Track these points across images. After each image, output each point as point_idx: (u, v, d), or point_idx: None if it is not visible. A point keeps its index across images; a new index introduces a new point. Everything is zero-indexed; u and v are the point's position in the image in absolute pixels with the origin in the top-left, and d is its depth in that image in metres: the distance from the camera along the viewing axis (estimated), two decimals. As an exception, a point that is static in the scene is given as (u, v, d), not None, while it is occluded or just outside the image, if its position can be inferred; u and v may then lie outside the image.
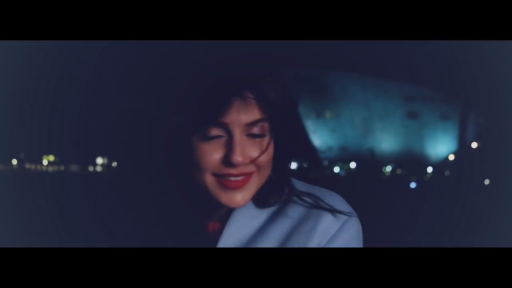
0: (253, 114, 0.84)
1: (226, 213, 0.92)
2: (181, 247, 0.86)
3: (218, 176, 0.85)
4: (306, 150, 0.94)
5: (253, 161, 0.85)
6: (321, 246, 0.86)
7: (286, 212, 0.90)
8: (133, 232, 0.88)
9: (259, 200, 0.91)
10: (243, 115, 0.83)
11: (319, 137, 57.78)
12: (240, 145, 0.83)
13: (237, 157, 0.82)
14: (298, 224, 0.89)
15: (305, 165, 0.94)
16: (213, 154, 0.84)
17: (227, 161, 0.83)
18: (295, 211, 0.90)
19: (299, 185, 0.94)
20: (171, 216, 0.88)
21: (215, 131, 0.83)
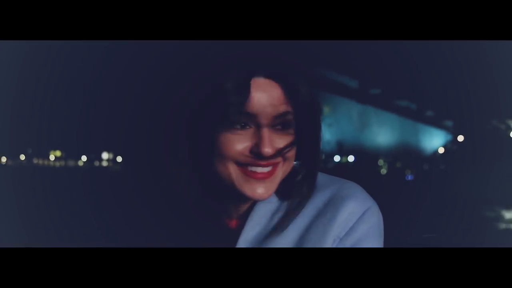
0: (282, 107, 0.82)
1: (245, 212, 0.90)
2: (202, 243, 0.84)
3: (243, 165, 0.83)
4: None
5: (280, 153, 0.83)
6: (340, 237, 0.85)
7: (306, 205, 0.89)
8: (150, 230, 0.86)
9: (283, 192, 0.89)
10: (271, 108, 0.82)
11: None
12: (269, 137, 0.82)
13: (267, 149, 0.81)
14: (317, 215, 0.87)
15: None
16: (239, 144, 0.82)
17: (255, 152, 0.82)
18: (314, 203, 0.88)
19: (319, 176, 0.92)
20: (192, 214, 0.85)
21: (242, 122, 0.82)
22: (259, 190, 0.83)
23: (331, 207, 0.86)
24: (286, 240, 0.86)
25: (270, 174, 0.84)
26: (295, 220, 0.87)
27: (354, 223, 0.85)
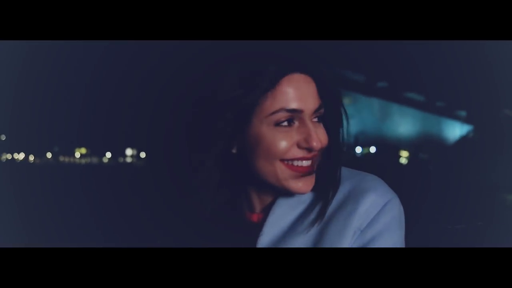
0: (317, 100, 0.85)
1: (268, 206, 0.91)
2: (227, 238, 0.85)
3: (288, 161, 0.84)
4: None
5: (323, 145, 0.86)
6: (361, 229, 0.84)
7: (334, 196, 0.89)
8: (178, 225, 0.87)
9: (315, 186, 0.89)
10: (311, 102, 0.83)
11: (338, 123, 57.75)
12: (314, 131, 0.84)
13: (316, 143, 0.83)
14: (337, 208, 0.87)
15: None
16: (286, 140, 0.83)
17: (303, 146, 0.84)
18: (335, 197, 0.88)
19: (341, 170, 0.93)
20: (216, 209, 0.87)
21: (288, 118, 0.83)
22: (303, 183, 0.85)
23: (351, 199, 0.86)
24: (307, 233, 0.86)
25: (312, 166, 0.86)
26: (316, 212, 0.87)
27: (375, 215, 0.85)
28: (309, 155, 0.84)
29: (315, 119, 0.85)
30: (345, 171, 0.92)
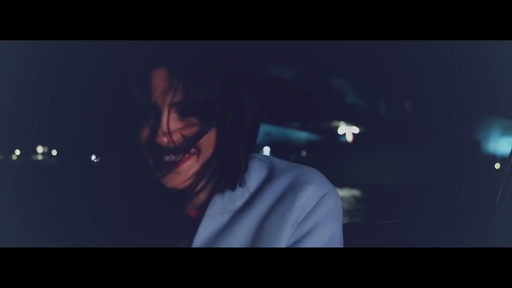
0: (182, 93, 0.77)
1: (204, 203, 0.87)
2: (162, 234, 0.82)
3: (155, 157, 0.80)
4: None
5: (189, 142, 0.78)
6: (298, 222, 0.82)
7: (265, 192, 0.86)
8: (108, 227, 0.84)
9: (217, 186, 0.86)
10: (170, 94, 0.76)
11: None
12: (166, 125, 0.77)
13: (162, 138, 0.76)
14: (276, 201, 0.84)
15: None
16: (147, 135, 0.79)
17: (156, 142, 0.77)
18: (273, 190, 0.86)
19: (278, 163, 0.91)
20: (147, 208, 0.83)
21: (146, 112, 0.79)
22: (171, 179, 0.80)
23: (290, 192, 0.84)
24: (246, 227, 0.83)
25: (179, 164, 0.80)
26: (255, 206, 0.84)
27: (312, 207, 0.83)
28: (168, 151, 0.78)
29: (183, 113, 0.79)
30: (283, 164, 0.90)
